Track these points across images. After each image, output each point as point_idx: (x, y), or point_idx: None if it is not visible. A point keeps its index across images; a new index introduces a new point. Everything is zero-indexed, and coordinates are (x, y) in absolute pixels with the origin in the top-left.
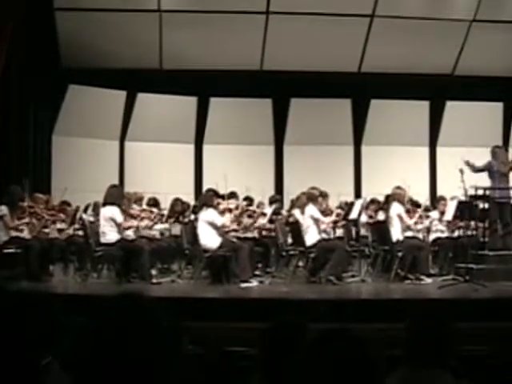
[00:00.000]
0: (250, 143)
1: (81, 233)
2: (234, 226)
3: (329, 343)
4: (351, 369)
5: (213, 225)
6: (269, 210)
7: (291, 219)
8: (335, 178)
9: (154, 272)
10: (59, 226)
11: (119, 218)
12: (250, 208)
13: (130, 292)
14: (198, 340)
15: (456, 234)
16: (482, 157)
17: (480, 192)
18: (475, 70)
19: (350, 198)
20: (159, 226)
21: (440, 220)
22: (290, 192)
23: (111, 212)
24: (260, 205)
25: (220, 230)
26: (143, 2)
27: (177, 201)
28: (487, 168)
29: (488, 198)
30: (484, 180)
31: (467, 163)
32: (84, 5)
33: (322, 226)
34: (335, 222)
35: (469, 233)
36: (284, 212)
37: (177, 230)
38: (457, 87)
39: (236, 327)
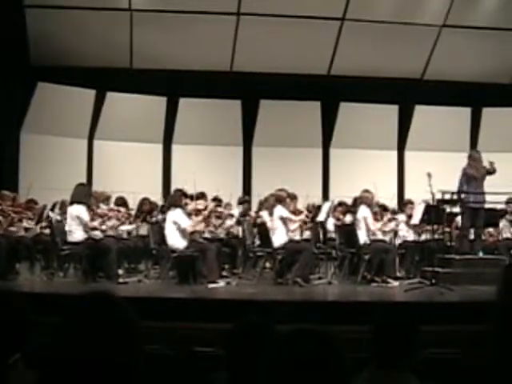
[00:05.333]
0: (219, 144)
1: (47, 231)
2: (201, 227)
3: (297, 343)
4: (319, 369)
5: (180, 225)
6: (236, 211)
7: (259, 220)
8: (303, 180)
9: (120, 271)
10: (26, 224)
11: (85, 216)
12: (219, 209)
13: (99, 291)
14: (165, 340)
15: (423, 237)
16: (450, 161)
17: (447, 196)
18: (444, 75)
19: (318, 200)
20: (125, 227)
21: (407, 223)
22: (258, 193)
23: (78, 211)
24: (227, 206)
25: (183, 232)
26: (114, 0)
27: (145, 200)
28: (464, 175)
29: (457, 201)
30: (453, 184)
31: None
32: (54, 2)
33: (293, 227)
34: (305, 222)
35: (435, 236)
36: (252, 213)
37: (144, 229)
38: (426, 91)
39: (203, 327)
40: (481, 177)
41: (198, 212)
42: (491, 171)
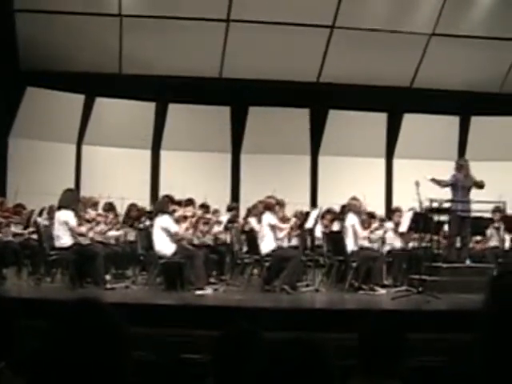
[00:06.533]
0: (208, 150)
1: (35, 236)
2: (189, 235)
3: (284, 351)
4: (306, 377)
5: (167, 231)
6: (224, 218)
7: (247, 227)
8: (292, 187)
9: (108, 277)
10: (13, 228)
11: (72, 222)
12: (206, 216)
13: (87, 297)
14: (152, 347)
15: (410, 245)
16: (438, 169)
17: (435, 204)
18: (433, 84)
19: (306, 207)
20: (113, 233)
21: (395, 231)
22: (247, 200)
23: (65, 216)
24: (215, 212)
25: (174, 236)
26: (104, 5)
27: (132, 206)
28: (453, 182)
29: (446, 210)
30: (441, 193)
31: (433, 180)
32: (44, 7)
33: (280, 235)
34: (292, 229)
35: (423, 244)
36: (240, 220)
37: (132, 235)
38: (415, 100)
39: (190, 334)
40: (468, 186)
41: (185, 218)
42: (480, 185)
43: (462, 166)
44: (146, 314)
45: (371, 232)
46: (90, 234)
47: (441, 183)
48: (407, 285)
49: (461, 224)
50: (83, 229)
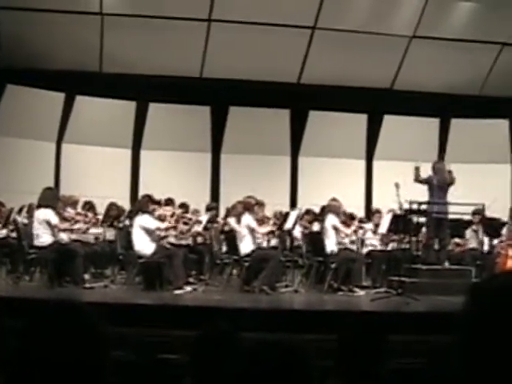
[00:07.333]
0: (188, 150)
1: (14, 235)
2: (170, 232)
3: (264, 352)
4: (284, 379)
5: (147, 230)
6: (204, 218)
7: (226, 227)
8: (271, 188)
9: (87, 276)
10: None
11: (54, 219)
12: (186, 215)
13: (66, 298)
14: (130, 347)
15: (390, 246)
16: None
17: (415, 206)
18: (413, 85)
19: (286, 208)
20: (93, 231)
21: (374, 232)
22: (226, 200)
23: (45, 214)
24: (195, 212)
25: (154, 235)
26: (85, 4)
27: (112, 205)
28: (428, 182)
29: (423, 212)
30: (420, 195)
31: (416, 169)
32: (25, 4)
33: (258, 236)
34: (270, 233)
35: (402, 246)
36: (219, 220)
37: (111, 234)
38: (395, 101)
39: (168, 334)
40: (445, 187)
41: (165, 218)
42: (451, 182)
43: (438, 169)
44: (124, 313)
45: (351, 233)
46: (75, 227)
47: (418, 176)
48: (386, 286)
49: (438, 226)
50: (67, 224)
